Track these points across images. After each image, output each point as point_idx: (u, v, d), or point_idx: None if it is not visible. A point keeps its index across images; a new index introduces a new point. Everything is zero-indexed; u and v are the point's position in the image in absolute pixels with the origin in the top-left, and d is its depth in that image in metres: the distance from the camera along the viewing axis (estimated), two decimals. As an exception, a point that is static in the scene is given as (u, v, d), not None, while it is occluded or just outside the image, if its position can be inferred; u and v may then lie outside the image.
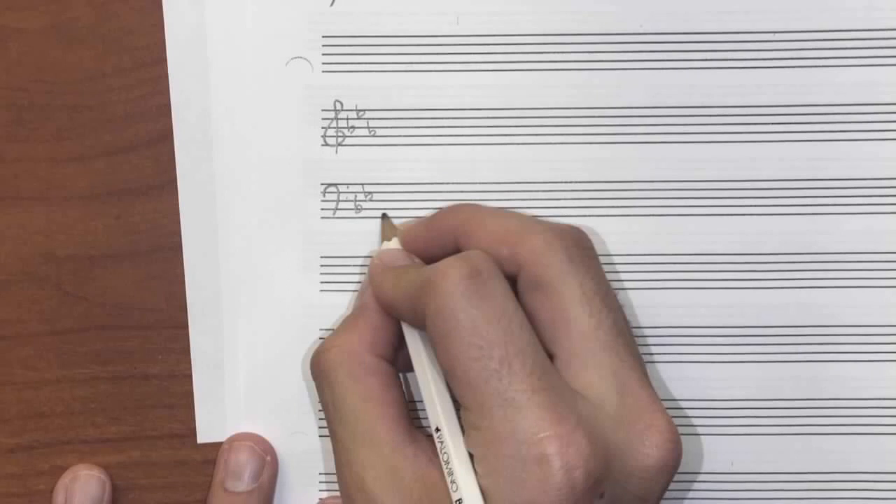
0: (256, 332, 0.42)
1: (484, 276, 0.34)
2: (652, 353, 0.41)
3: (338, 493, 0.39)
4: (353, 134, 0.41)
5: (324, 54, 0.41)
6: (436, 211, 0.40)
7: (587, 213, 0.41)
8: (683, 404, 0.42)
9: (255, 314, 0.42)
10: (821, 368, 0.41)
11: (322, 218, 0.41)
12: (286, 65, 0.41)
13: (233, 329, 0.42)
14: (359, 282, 0.41)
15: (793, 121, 0.41)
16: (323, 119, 0.41)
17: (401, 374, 0.39)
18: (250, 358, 0.42)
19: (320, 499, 0.42)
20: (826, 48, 0.40)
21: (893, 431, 0.42)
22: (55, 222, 0.42)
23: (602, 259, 0.41)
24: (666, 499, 0.42)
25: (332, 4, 0.40)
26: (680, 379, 0.41)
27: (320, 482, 0.42)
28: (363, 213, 0.41)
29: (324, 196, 0.41)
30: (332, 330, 0.40)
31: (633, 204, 0.41)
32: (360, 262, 0.41)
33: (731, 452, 0.42)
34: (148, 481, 0.43)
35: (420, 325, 0.36)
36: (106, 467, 0.42)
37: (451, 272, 0.34)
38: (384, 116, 0.41)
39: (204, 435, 0.42)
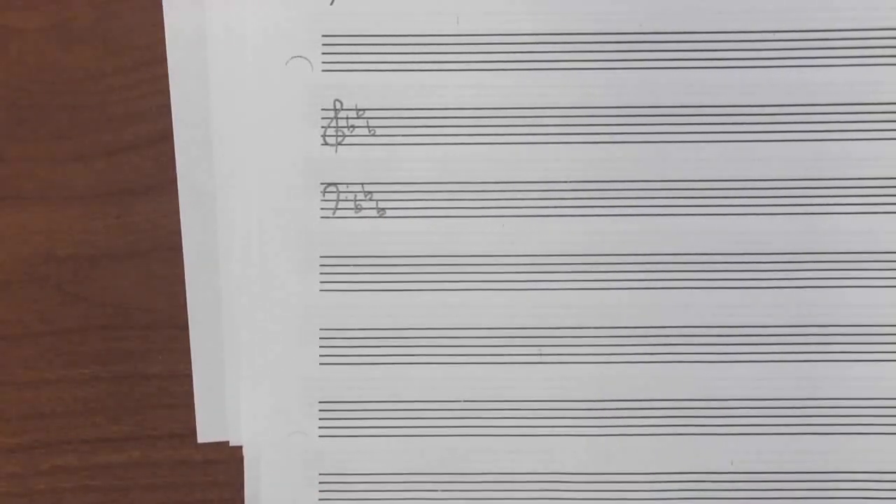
0: (256, 332, 0.42)
1: None
2: (652, 353, 0.41)
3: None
4: (353, 133, 0.41)
5: (324, 53, 0.41)
6: None
7: (587, 213, 0.41)
8: (683, 404, 0.42)
9: (255, 314, 0.42)
10: (821, 368, 0.41)
11: (322, 218, 0.41)
12: (286, 64, 0.41)
13: (233, 329, 0.42)
14: (359, 282, 0.41)
15: (793, 121, 0.41)
16: (323, 119, 0.41)
17: None
18: (250, 358, 0.42)
19: None
20: (826, 48, 0.40)
21: (893, 431, 0.42)
22: (55, 222, 0.42)
23: (602, 259, 0.40)
24: (666, 499, 0.42)
25: (332, 4, 0.40)
26: (680, 379, 0.41)
27: (320, 482, 0.42)
28: (363, 213, 0.41)
29: (323, 196, 0.41)
30: (333, 330, 0.40)
31: (633, 204, 0.41)
32: (359, 262, 0.41)
33: (731, 452, 0.42)
34: (148, 481, 0.43)
35: None
36: (106, 467, 0.42)
37: None
38: (384, 116, 0.41)
39: (204, 435, 0.42)
